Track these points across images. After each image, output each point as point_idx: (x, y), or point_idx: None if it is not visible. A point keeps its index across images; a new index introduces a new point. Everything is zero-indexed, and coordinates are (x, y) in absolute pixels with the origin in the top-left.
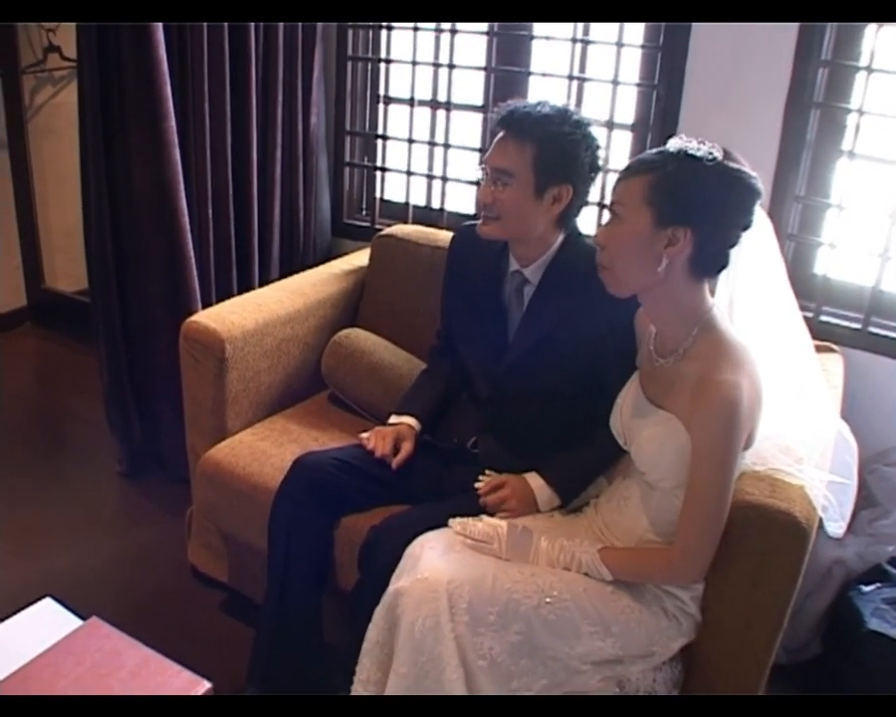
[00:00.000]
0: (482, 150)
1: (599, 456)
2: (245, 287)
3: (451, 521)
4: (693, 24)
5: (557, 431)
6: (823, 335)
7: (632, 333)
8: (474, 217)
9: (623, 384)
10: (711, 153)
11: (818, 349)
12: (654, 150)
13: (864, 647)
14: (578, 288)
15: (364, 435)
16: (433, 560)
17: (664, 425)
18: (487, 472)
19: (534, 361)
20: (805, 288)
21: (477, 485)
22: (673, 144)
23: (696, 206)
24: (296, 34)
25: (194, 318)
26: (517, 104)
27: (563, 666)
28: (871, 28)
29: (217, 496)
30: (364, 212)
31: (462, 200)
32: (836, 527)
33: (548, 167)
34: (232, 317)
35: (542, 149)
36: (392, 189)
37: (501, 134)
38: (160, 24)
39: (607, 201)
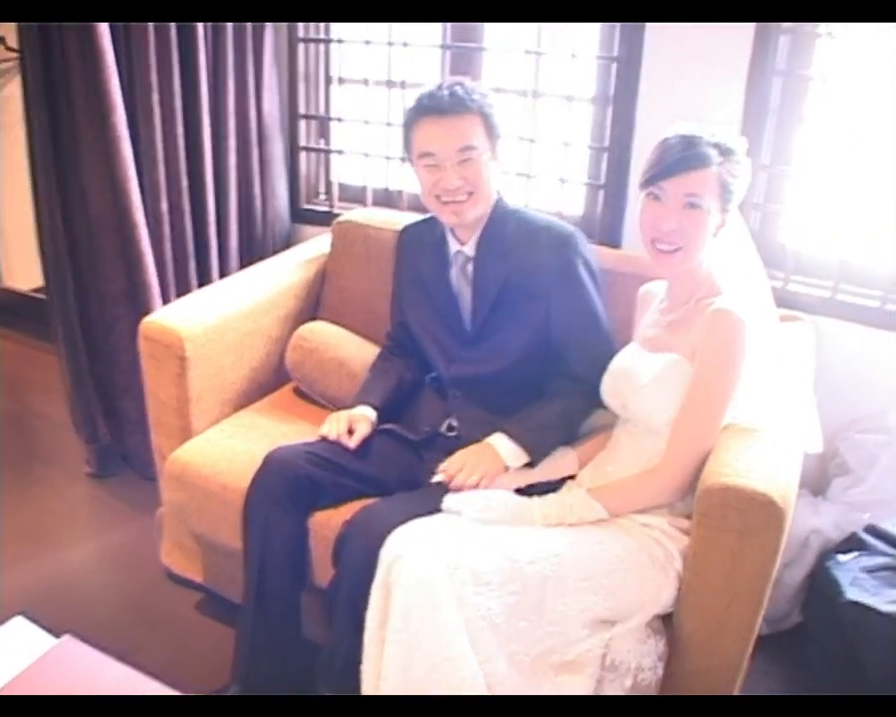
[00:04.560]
0: None
1: (564, 409)
2: (204, 280)
3: (446, 499)
4: None
5: (528, 394)
6: (792, 303)
7: (579, 284)
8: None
9: (581, 336)
10: (739, 145)
11: (787, 318)
12: (686, 139)
13: (844, 617)
14: (512, 250)
15: (323, 430)
16: (428, 525)
17: (670, 362)
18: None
19: (492, 331)
20: (773, 257)
21: (437, 479)
22: (703, 133)
23: (740, 192)
24: None
25: (152, 317)
26: (432, 91)
27: (561, 631)
28: None
29: (187, 498)
30: (322, 197)
31: None
32: (816, 445)
33: (494, 127)
34: (191, 313)
35: (486, 115)
36: (350, 172)
37: (437, 118)
38: None
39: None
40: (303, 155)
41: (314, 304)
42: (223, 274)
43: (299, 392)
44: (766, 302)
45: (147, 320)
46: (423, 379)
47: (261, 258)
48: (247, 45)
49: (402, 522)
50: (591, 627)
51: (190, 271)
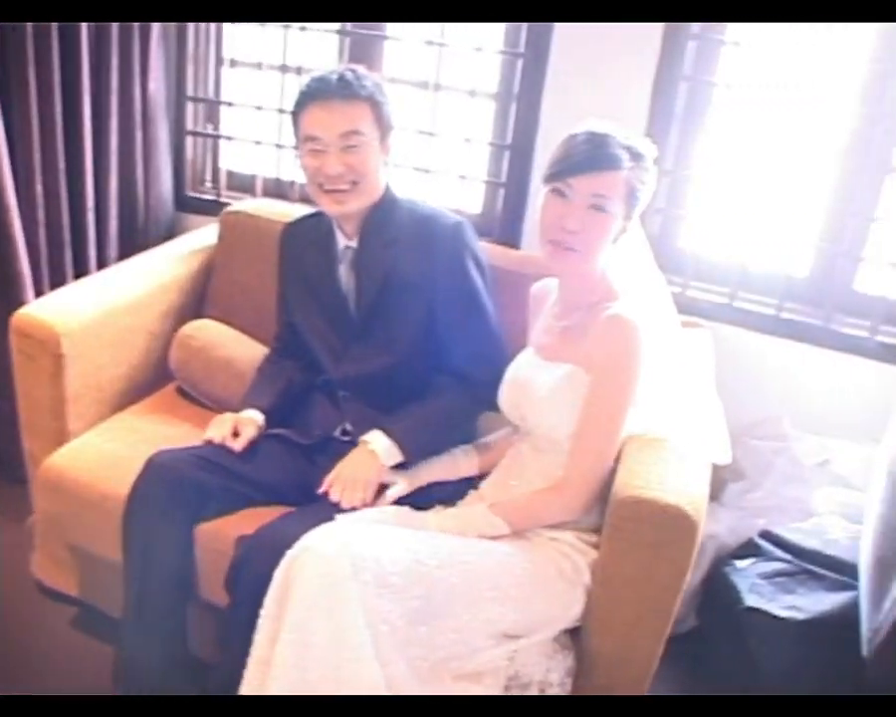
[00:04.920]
0: None
1: (446, 407)
2: (81, 270)
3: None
4: None
5: (420, 394)
6: (691, 309)
7: (464, 275)
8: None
9: (466, 329)
10: (649, 152)
11: (686, 324)
12: (599, 137)
13: (743, 623)
14: (397, 239)
15: (208, 433)
16: (331, 526)
17: (567, 374)
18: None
19: (378, 324)
20: (673, 262)
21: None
22: (616, 134)
23: (645, 199)
24: None
25: (25, 310)
26: (321, 74)
27: (462, 640)
28: None
29: (62, 507)
30: (209, 184)
31: None
32: (725, 455)
33: (384, 118)
34: (68, 306)
35: (376, 101)
36: (239, 160)
37: (324, 102)
38: None
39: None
40: (189, 140)
41: (199, 299)
42: (101, 264)
43: (181, 393)
44: (665, 308)
45: (20, 313)
46: (313, 382)
47: (142, 248)
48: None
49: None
50: (496, 639)
51: (66, 260)
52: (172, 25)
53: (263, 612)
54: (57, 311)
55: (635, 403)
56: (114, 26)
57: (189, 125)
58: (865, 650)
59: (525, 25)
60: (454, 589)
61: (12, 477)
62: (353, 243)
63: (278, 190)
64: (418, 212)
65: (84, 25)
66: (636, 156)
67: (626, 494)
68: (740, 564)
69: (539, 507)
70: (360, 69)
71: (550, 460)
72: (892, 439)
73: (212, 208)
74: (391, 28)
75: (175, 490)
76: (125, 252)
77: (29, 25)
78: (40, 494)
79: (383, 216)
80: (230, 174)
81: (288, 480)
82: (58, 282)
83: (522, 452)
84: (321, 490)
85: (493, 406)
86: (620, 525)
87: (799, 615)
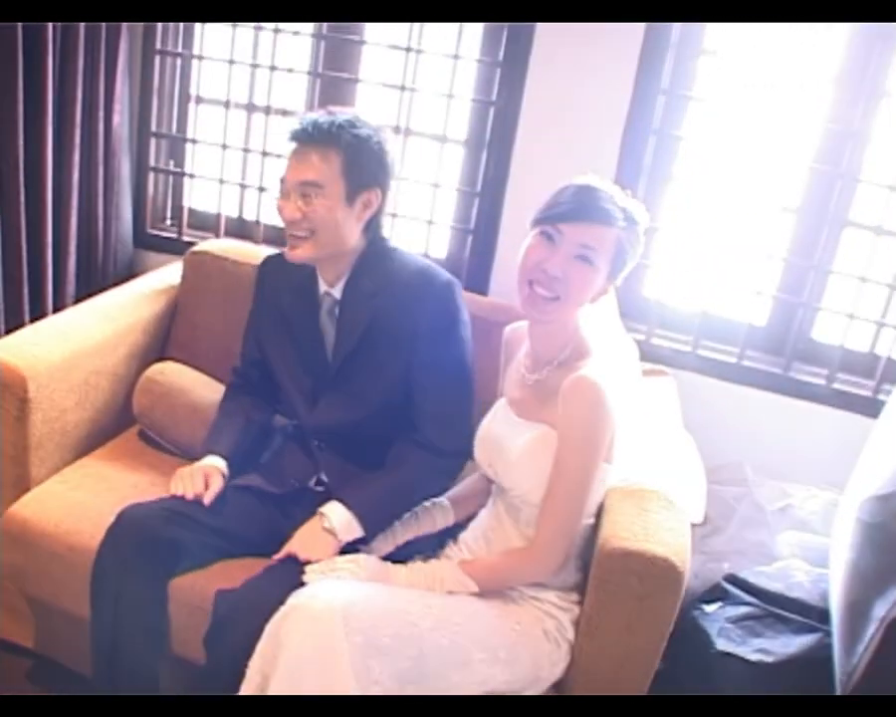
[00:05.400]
0: None
1: (409, 478)
2: (37, 307)
3: (308, 569)
4: (534, 42)
5: (389, 445)
6: (654, 357)
7: (447, 339)
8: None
9: (441, 396)
10: (643, 219)
11: (651, 372)
12: (596, 191)
13: (714, 667)
14: (383, 290)
15: (178, 489)
16: (324, 584)
17: (538, 436)
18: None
19: (353, 375)
20: (638, 310)
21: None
22: (613, 193)
23: (630, 264)
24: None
25: None
26: (306, 115)
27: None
28: (706, 60)
29: (25, 559)
30: (170, 222)
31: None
32: (698, 514)
33: (358, 171)
34: (34, 348)
35: (349, 154)
36: (201, 198)
37: (297, 147)
38: None
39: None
40: (151, 176)
41: (163, 340)
42: (58, 301)
43: (144, 437)
44: (632, 365)
45: None
46: (270, 420)
47: (100, 286)
48: (99, 53)
49: (277, 601)
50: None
51: (24, 295)
52: (137, 58)
53: (251, 666)
54: (22, 353)
55: (610, 461)
56: (80, 57)
57: (152, 162)
58: (839, 693)
59: (498, 74)
60: (445, 650)
61: None
62: (333, 290)
63: (241, 230)
64: (409, 266)
65: (49, 55)
66: (630, 220)
67: (613, 546)
68: (707, 608)
69: (508, 569)
70: (345, 114)
71: (526, 519)
72: (858, 486)
73: (172, 246)
74: (363, 71)
75: (148, 547)
76: (83, 290)
77: None
78: (2, 546)
79: (369, 266)
80: (192, 212)
81: (261, 531)
82: (14, 318)
83: (498, 507)
84: (277, 558)
85: (456, 477)
86: (607, 577)
87: (769, 659)
